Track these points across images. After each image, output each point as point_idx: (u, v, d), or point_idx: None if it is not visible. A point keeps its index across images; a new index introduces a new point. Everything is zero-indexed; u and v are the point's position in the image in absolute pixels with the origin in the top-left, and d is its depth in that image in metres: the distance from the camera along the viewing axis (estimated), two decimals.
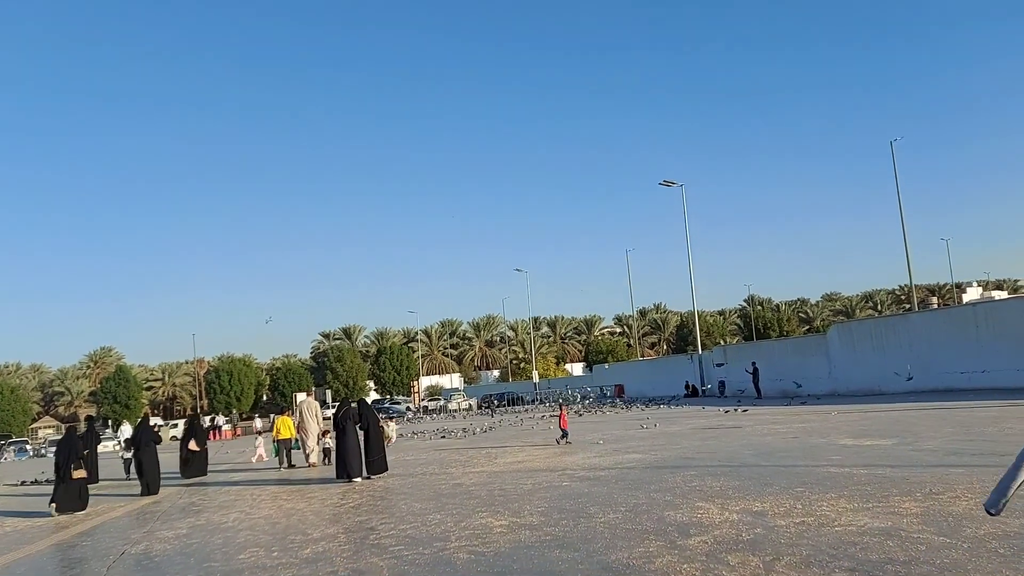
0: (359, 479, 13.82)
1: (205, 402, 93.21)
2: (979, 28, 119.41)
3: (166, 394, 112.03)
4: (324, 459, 18.10)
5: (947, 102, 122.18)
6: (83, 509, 13.46)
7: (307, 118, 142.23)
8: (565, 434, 17.92)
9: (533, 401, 51.57)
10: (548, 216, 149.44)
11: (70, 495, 13.37)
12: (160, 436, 19.16)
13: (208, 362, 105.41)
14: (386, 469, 14.42)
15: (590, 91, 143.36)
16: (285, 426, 19.25)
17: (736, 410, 25.82)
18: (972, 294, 75.58)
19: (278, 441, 19.35)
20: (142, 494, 15.44)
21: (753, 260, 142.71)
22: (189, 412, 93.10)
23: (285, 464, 18.67)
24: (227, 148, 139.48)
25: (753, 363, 35.81)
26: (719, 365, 42.24)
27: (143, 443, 15.95)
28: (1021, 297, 26.76)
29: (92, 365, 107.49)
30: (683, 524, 7.23)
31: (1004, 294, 71.45)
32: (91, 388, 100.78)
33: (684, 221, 44.30)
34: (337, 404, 14.83)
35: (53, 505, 13.23)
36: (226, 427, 51.49)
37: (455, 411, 53.47)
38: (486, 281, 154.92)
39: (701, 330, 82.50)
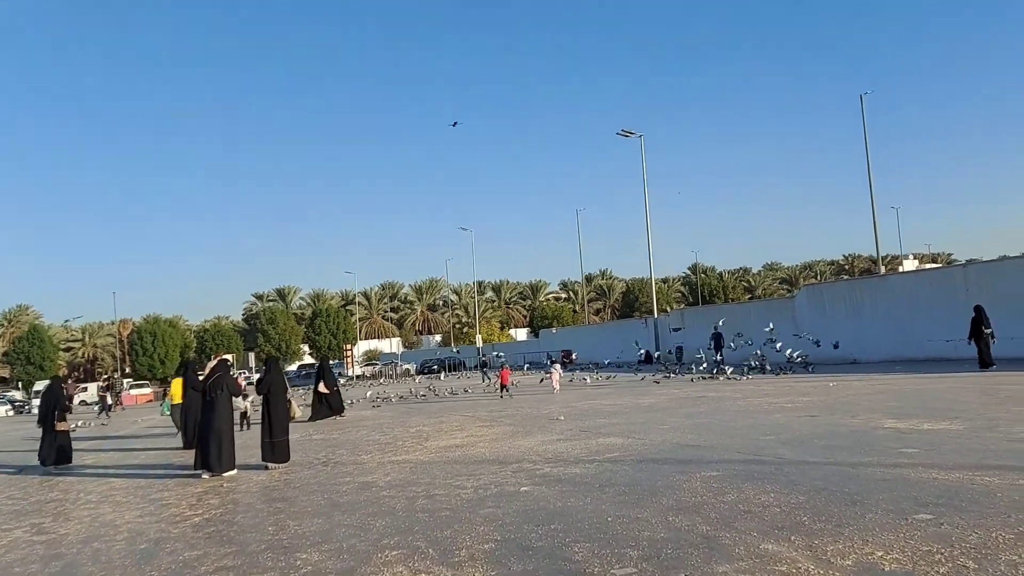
0: (208, 474, 9.96)
1: (128, 364, 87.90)
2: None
3: (86, 355, 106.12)
4: (242, 425, 16.43)
5: (896, 70, 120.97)
6: (68, 461, 13.09)
7: (240, 76, 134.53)
8: (505, 389, 20.53)
9: (478, 367, 47.90)
10: (493, 175, 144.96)
11: (51, 447, 12.98)
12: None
13: (133, 323, 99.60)
14: (289, 457, 10.61)
15: (538, 43, 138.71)
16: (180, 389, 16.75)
17: (706, 378, 22.67)
18: (908, 267, 74.62)
19: (172, 405, 17.09)
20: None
21: (693, 228, 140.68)
22: (108, 371, 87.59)
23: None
24: (156, 103, 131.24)
25: (715, 327, 32.74)
26: (676, 330, 39.25)
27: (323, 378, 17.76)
28: (1018, 257, 23.94)
29: (6, 324, 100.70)
30: None
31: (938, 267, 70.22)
32: (4, 348, 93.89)
33: (642, 174, 40.85)
34: (211, 367, 10.91)
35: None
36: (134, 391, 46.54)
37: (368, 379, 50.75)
38: (429, 242, 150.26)
39: (647, 296, 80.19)
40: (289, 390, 12.22)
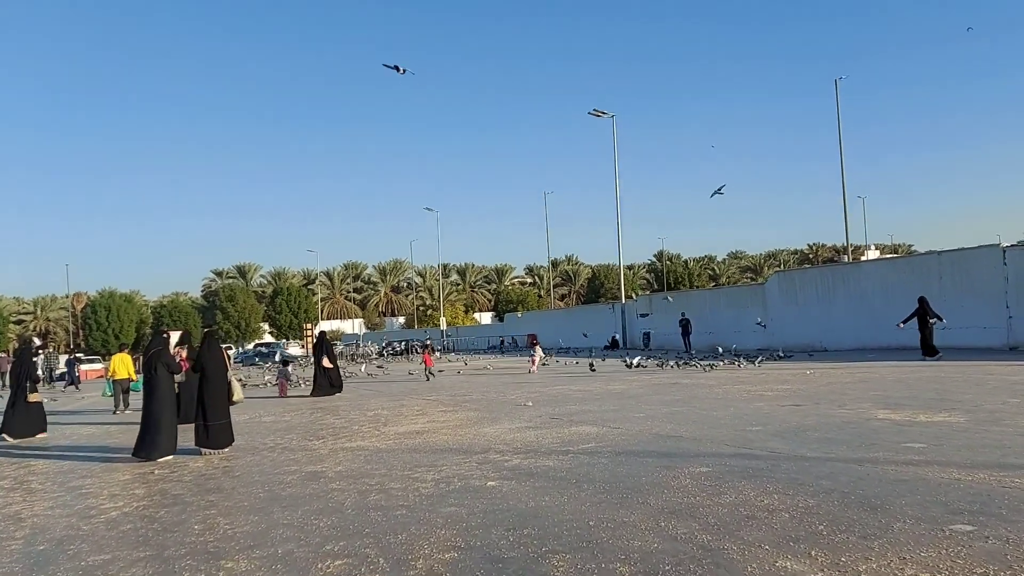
0: (161, 458, 9.02)
1: (82, 339, 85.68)
2: None
3: (38, 328, 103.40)
4: None
5: (860, 58, 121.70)
6: (43, 432, 12.66)
7: (204, 45, 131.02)
8: (429, 372, 21.47)
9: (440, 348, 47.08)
10: (460, 156, 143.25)
11: (24, 419, 12.45)
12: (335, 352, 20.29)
13: (88, 296, 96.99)
14: (231, 441, 9.63)
15: (507, 22, 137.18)
16: (123, 365, 17.01)
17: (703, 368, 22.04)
18: (871, 256, 75.07)
19: (114, 381, 17.07)
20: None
21: (659, 215, 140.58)
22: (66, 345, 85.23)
23: (122, 407, 16.41)
24: (113, 71, 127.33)
25: (683, 314, 32.23)
26: (643, 316, 38.68)
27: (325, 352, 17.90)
28: (992, 246, 23.59)
29: None
30: None
31: None
32: None
33: (613, 155, 40.00)
34: (149, 341, 9.94)
35: (3, 435, 12.26)
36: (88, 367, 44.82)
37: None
38: (394, 223, 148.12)
39: (613, 282, 79.80)
40: (230, 368, 11.22)
